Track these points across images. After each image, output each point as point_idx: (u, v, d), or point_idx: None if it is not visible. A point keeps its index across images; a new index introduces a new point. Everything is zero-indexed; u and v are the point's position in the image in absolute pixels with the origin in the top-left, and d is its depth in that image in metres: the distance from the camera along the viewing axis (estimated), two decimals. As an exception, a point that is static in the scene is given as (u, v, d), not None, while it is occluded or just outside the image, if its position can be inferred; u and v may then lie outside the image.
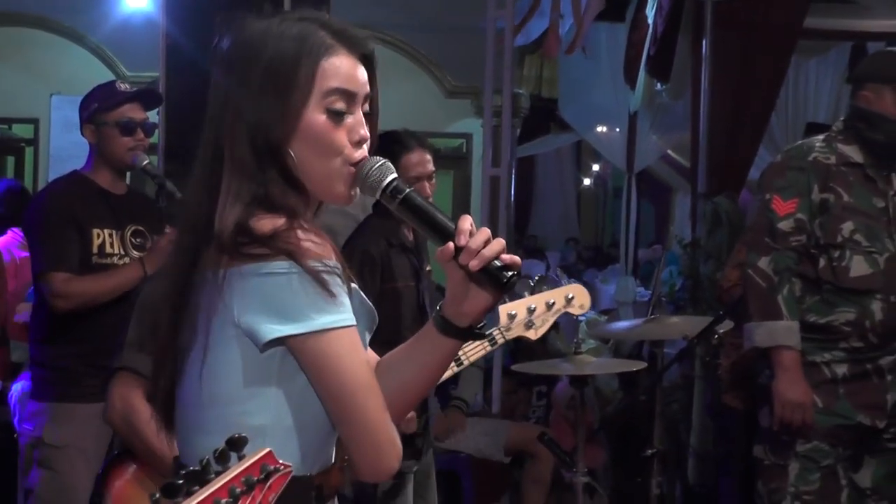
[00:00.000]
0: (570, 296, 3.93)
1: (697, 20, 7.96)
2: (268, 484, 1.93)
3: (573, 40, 10.17)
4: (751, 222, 5.38)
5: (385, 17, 14.46)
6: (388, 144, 5.13)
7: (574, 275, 19.64)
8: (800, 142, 5.01)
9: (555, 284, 15.35)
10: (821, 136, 4.89)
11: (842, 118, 4.96)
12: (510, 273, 2.26)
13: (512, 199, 9.60)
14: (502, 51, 9.51)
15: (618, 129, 14.69)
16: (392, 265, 5.01)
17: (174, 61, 6.32)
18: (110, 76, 12.92)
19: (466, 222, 2.27)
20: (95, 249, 4.97)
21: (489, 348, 3.89)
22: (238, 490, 1.86)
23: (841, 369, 4.68)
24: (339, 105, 2.37)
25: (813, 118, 9.79)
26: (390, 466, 2.31)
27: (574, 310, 3.96)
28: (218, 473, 1.86)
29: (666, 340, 6.36)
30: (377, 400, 2.27)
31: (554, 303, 3.89)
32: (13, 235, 7.12)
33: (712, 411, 7.17)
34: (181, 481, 1.82)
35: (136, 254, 5.00)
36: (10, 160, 16.70)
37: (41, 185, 13.92)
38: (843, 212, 4.69)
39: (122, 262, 4.98)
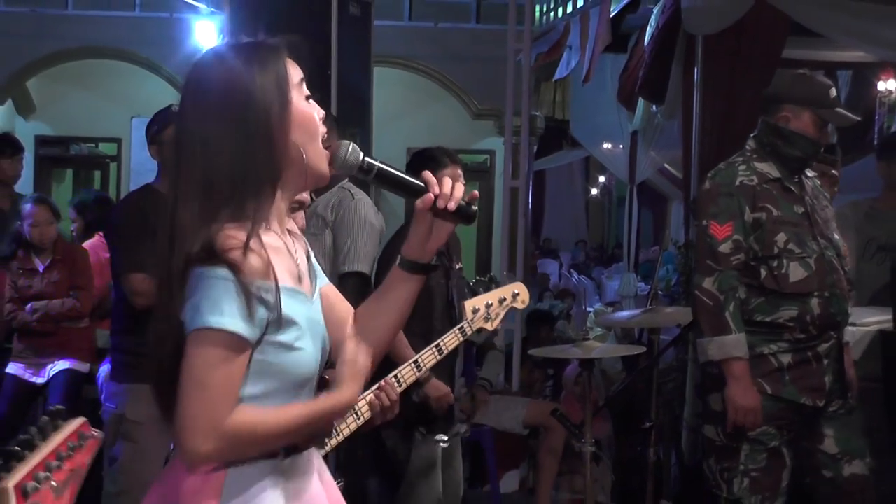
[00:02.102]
0: (515, 292, 4.01)
1: (689, 51, 7.95)
2: (84, 447, 2.04)
3: (587, 73, 10.14)
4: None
5: (420, 50, 14.51)
6: (424, 161, 5.14)
7: (583, 272, 19.65)
8: (721, 165, 4.78)
9: (567, 281, 15.32)
10: (739, 158, 4.73)
11: (752, 135, 4.80)
12: (474, 207, 2.52)
13: (529, 206, 9.60)
14: (522, 78, 9.53)
15: (621, 146, 14.69)
16: None
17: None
18: (183, 101, 12.97)
19: (431, 176, 2.49)
20: (167, 254, 4.98)
21: (461, 338, 3.92)
22: (63, 454, 1.95)
23: (786, 358, 4.59)
24: (306, 90, 2.42)
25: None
26: (191, 449, 2.24)
27: (518, 305, 4.05)
28: (42, 441, 1.94)
29: (662, 328, 6.35)
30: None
31: (505, 299, 3.97)
32: (100, 239, 7.15)
33: (702, 390, 7.15)
34: (17, 448, 1.88)
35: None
36: (97, 174, 16.82)
37: (123, 196, 13.99)
38: (775, 225, 4.56)
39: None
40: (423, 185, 2.49)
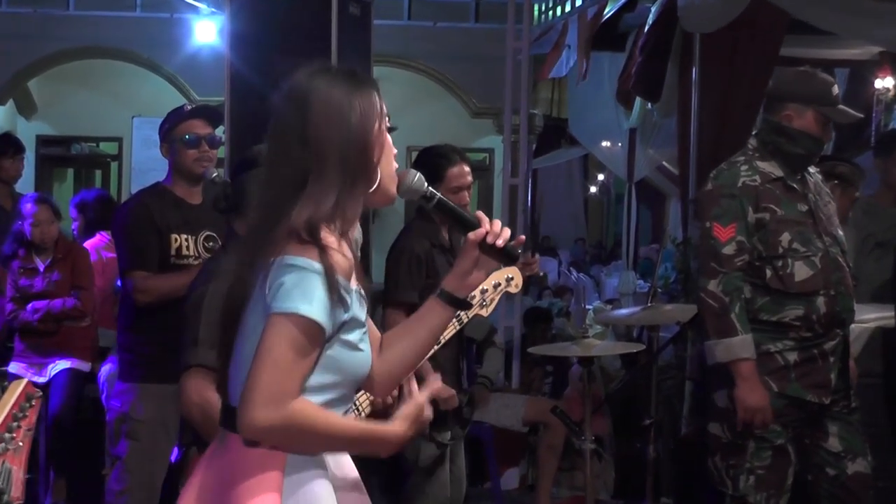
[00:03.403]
0: (509, 276, 3.98)
1: (686, 49, 7.92)
2: (33, 407, 2.28)
3: (584, 72, 10.09)
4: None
5: (420, 50, 14.51)
6: (435, 158, 5.15)
7: (582, 269, 19.61)
8: (723, 165, 4.73)
9: (566, 278, 15.29)
10: (741, 158, 4.67)
11: (754, 133, 4.78)
12: (519, 249, 2.70)
13: (528, 204, 9.58)
14: (520, 77, 9.51)
15: (619, 144, 14.63)
16: (434, 263, 5.00)
17: (237, 87, 6.33)
18: (183, 100, 12.96)
19: (484, 215, 2.69)
20: (173, 252, 4.95)
21: (458, 327, 3.90)
22: (18, 415, 2.20)
23: (792, 356, 4.54)
24: (387, 123, 2.59)
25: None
26: (251, 417, 2.36)
27: (512, 289, 4.02)
28: None
29: (661, 325, 6.33)
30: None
31: (499, 284, 3.95)
32: (101, 238, 7.13)
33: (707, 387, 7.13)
34: None
35: (208, 256, 4.96)
36: (98, 173, 16.84)
37: (125, 195, 13.98)
38: (779, 225, 4.52)
39: (196, 262, 4.94)
40: (475, 220, 2.68)
